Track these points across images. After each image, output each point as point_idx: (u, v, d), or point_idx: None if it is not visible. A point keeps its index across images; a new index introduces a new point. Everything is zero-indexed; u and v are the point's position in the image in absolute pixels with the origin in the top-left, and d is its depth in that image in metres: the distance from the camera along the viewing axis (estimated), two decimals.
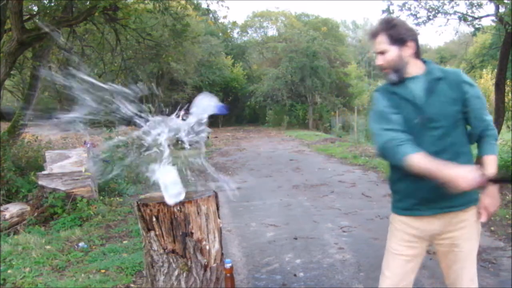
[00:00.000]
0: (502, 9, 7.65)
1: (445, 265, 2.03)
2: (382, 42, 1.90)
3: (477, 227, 1.98)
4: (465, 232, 1.94)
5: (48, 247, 4.30)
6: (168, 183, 2.01)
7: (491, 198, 1.90)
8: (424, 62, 1.96)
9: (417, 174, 1.84)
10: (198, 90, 25.09)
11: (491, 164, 1.92)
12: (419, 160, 1.76)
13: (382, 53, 1.91)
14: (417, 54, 1.93)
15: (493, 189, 1.90)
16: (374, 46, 1.94)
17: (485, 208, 1.92)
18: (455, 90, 1.89)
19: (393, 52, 1.90)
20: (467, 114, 1.91)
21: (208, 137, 15.32)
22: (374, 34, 1.93)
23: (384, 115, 1.91)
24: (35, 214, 5.19)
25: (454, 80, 1.90)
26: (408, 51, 1.91)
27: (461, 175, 1.68)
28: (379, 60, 1.93)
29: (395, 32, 1.89)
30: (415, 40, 1.92)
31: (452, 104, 1.88)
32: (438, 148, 1.86)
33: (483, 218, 1.92)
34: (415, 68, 1.93)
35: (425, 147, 1.85)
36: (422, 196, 1.91)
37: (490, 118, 1.97)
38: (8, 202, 5.48)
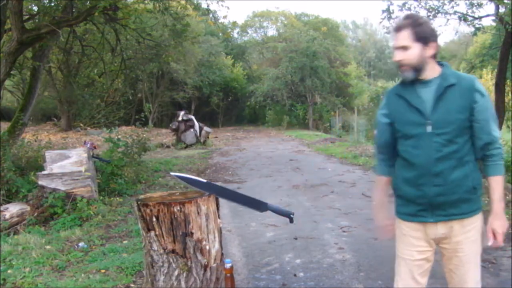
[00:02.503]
0: (502, 9, 7.65)
1: (448, 269, 2.00)
2: (406, 37, 1.85)
3: (481, 231, 1.96)
4: (469, 236, 1.92)
5: (48, 247, 4.30)
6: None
7: (498, 220, 1.87)
8: (441, 65, 1.93)
9: (421, 180, 1.87)
10: (198, 90, 25.11)
11: (496, 186, 1.87)
12: (376, 183, 2.16)
13: (403, 48, 1.86)
14: (435, 56, 1.91)
15: (500, 211, 1.86)
16: (395, 40, 1.88)
17: (493, 231, 1.88)
18: (465, 97, 1.86)
19: (415, 50, 1.85)
20: (473, 123, 1.87)
21: (208, 137, 15.31)
22: (398, 28, 1.87)
23: (378, 123, 2.07)
24: (35, 214, 5.18)
25: (466, 87, 1.87)
26: (429, 51, 1.87)
27: (377, 225, 2.11)
28: (399, 56, 1.88)
29: (421, 29, 1.85)
30: (436, 42, 1.89)
31: (459, 111, 1.85)
32: (441, 155, 1.85)
33: (491, 242, 1.88)
34: (431, 70, 1.90)
35: (429, 153, 1.85)
36: (427, 202, 1.89)
37: (497, 135, 1.90)
38: (8, 202, 5.48)
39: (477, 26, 8.15)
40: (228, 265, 2.13)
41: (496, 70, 9.51)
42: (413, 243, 1.97)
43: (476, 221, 1.92)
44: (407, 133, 1.92)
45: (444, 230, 1.92)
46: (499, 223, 1.86)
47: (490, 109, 1.89)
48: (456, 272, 1.96)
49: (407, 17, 1.90)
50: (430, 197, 1.88)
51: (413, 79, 1.90)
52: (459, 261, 1.94)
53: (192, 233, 2.08)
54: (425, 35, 1.85)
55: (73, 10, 8.92)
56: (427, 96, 1.88)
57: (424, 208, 1.91)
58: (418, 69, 1.87)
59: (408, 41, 1.85)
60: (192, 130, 14.57)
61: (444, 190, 1.86)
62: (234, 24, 28.86)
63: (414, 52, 1.85)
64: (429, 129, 1.85)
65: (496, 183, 1.88)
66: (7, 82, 15.85)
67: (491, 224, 1.88)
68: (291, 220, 2.28)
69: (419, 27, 1.85)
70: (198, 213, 2.10)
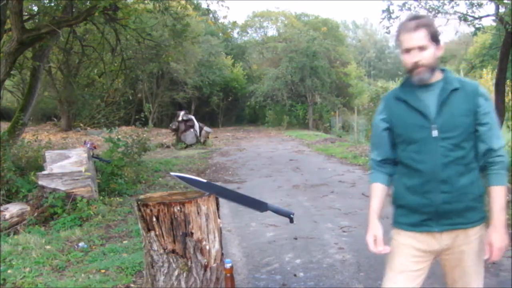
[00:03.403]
0: (502, 9, 7.66)
1: (451, 278, 1.93)
2: (423, 37, 1.77)
3: (483, 241, 1.88)
4: (473, 246, 1.85)
5: (48, 247, 4.30)
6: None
7: (497, 232, 1.75)
8: (442, 70, 1.89)
9: (427, 187, 1.80)
10: (198, 90, 25.12)
11: (497, 197, 1.77)
12: (370, 190, 1.99)
13: (421, 48, 1.77)
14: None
15: (499, 224, 1.76)
16: (411, 40, 1.78)
17: (490, 244, 1.75)
18: (469, 101, 1.80)
19: (432, 50, 1.78)
20: (478, 127, 1.81)
21: (208, 137, 15.32)
22: (416, 27, 1.77)
23: (376, 129, 1.98)
24: (35, 214, 5.18)
25: (470, 91, 1.82)
26: (439, 53, 1.82)
27: (368, 233, 1.92)
28: (416, 56, 1.78)
29: (435, 30, 1.79)
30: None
31: (464, 115, 1.79)
32: (448, 160, 1.78)
33: (487, 255, 1.77)
34: (436, 73, 1.85)
35: (436, 158, 1.78)
36: (433, 210, 1.81)
37: (502, 142, 1.82)
38: (8, 202, 5.48)
39: (477, 26, 8.16)
40: (228, 265, 2.13)
41: (496, 70, 9.52)
42: (412, 253, 1.88)
43: (480, 231, 1.86)
44: (410, 138, 1.84)
45: (448, 240, 1.84)
46: (497, 237, 1.75)
47: (494, 114, 1.84)
48: (459, 281, 1.90)
49: (419, 17, 1.85)
50: (437, 205, 1.79)
51: (422, 83, 1.83)
52: (462, 271, 1.88)
53: (192, 233, 2.08)
54: (437, 36, 1.80)
55: (73, 10, 8.92)
56: (429, 99, 1.82)
57: (429, 217, 1.82)
58: (433, 70, 1.82)
59: (425, 40, 1.77)
60: (192, 130, 14.58)
61: (451, 198, 1.78)
62: (234, 24, 28.87)
63: (430, 52, 1.78)
64: (435, 133, 1.78)
65: (497, 193, 1.78)
66: (7, 82, 15.86)
67: (488, 237, 1.77)
68: (291, 220, 2.28)
69: (433, 27, 1.80)
70: (198, 213, 2.10)
